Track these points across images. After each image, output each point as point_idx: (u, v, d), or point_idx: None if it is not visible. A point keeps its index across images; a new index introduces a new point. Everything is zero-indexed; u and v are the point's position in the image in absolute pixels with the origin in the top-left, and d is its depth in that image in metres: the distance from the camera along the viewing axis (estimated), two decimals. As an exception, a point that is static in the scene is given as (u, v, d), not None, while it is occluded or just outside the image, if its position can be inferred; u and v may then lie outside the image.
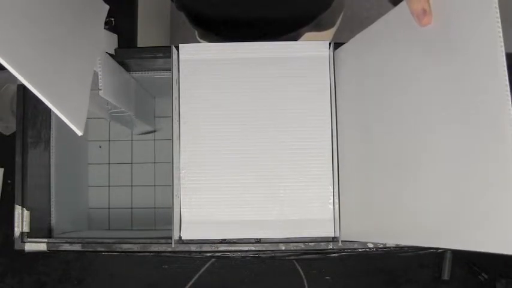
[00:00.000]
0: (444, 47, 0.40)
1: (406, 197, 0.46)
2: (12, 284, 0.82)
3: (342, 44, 0.60)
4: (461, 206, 0.38)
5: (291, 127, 0.61)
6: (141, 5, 0.85)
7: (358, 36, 0.55)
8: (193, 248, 0.61)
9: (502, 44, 0.33)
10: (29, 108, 0.69)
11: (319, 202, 0.60)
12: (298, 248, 0.61)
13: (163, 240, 0.62)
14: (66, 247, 0.64)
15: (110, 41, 0.70)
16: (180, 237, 0.60)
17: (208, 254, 0.71)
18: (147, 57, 0.71)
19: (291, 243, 0.61)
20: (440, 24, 0.40)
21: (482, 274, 0.76)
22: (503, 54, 0.33)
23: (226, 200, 0.60)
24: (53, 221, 0.74)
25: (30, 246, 0.65)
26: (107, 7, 0.65)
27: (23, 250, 0.65)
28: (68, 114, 0.44)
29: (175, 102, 0.62)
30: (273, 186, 0.60)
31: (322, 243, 0.60)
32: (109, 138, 0.95)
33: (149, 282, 0.82)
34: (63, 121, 0.44)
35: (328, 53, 0.62)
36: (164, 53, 0.68)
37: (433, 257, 0.78)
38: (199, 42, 0.77)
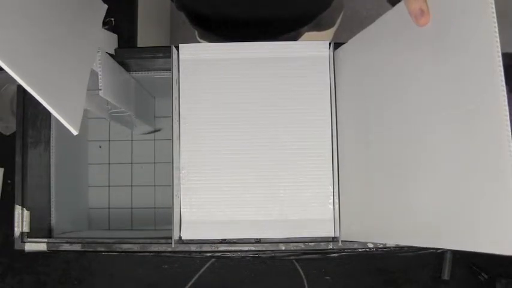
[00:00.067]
0: (443, 46, 0.40)
1: (406, 197, 0.46)
2: (12, 284, 0.82)
3: (342, 44, 0.60)
4: (461, 206, 0.38)
5: (291, 127, 0.61)
6: (141, 5, 0.85)
7: (357, 36, 0.55)
8: (193, 248, 0.61)
9: (498, 43, 0.34)
10: (29, 108, 0.69)
11: (319, 202, 0.60)
12: (298, 248, 0.61)
13: (163, 240, 0.62)
14: (66, 247, 0.64)
15: (110, 41, 0.70)
16: (180, 237, 0.60)
17: (208, 254, 0.71)
18: (147, 57, 0.71)
19: (291, 243, 0.61)
20: (438, 24, 0.40)
21: (482, 274, 0.76)
22: (499, 53, 0.34)
23: (226, 200, 0.60)
24: (53, 221, 0.74)
25: (30, 246, 0.65)
26: (106, 6, 0.65)
27: (23, 250, 0.65)
28: (63, 114, 0.44)
29: (175, 102, 0.62)
30: (273, 186, 0.60)
31: (322, 243, 0.60)
32: (109, 138, 0.95)
33: (149, 282, 0.82)
34: (63, 121, 0.44)
35: (328, 53, 0.62)
36: (164, 53, 0.68)
37: (433, 257, 0.78)
38: (199, 42, 0.77)
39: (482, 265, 0.77)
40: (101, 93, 0.61)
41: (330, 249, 0.61)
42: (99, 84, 0.60)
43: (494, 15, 0.34)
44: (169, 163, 0.60)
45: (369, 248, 0.62)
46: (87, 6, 0.59)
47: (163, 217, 0.93)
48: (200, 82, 0.62)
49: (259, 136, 0.61)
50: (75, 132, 0.46)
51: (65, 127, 0.45)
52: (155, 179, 0.95)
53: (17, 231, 0.66)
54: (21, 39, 0.41)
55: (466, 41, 0.37)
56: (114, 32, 0.72)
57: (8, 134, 0.85)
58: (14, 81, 0.39)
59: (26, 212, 0.66)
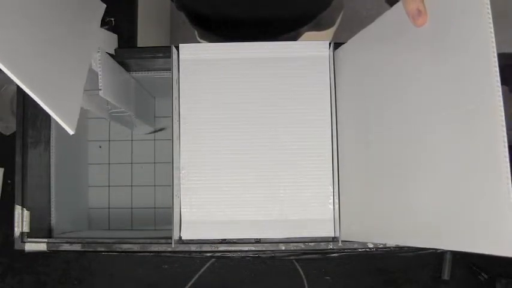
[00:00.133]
0: (442, 46, 0.40)
1: (406, 197, 0.46)
2: (12, 284, 0.82)
3: (342, 43, 0.60)
4: (461, 206, 0.38)
5: (291, 127, 0.61)
6: (141, 5, 0.85)
7: (357, 36, 0.55)
8: (193, 248, 0.61)
9: (494, 43, 0.34)
10: (29, 108, 0.69)
11: (319, 202, 0.60)
12: (298, 248, 0.61)
13: (163, 240, 0.62)
14: (66, 247, 0.64)
15: (110, 41, 0.70)
16: (180, 237, 0.60)
17: (208, 254, 0.71)
18: (147, 57, 0.71)
19: (291, 243, 0.61)
20: (438, 24, 0.40)
21: (482, 274, 0.76)
22: (495, 54, 0.34)
23: (226, 200, 0.60)
24: (53, 221, 0.74)
25: (30, 246, 0.65)
26: (104, 6, 0.65)
27: (23, 250, 0.65)
28: (60, 113, 0.44)
29: (175, 102, 0.62)
30: (273, 186, 0.60)
31: (322, 243, 0.60)
32: (109, 138, 0.95)
33: (149, 282, 0.82)
34: (63, 121, 0.44)
35: (328, 53, 0.62)
36: (164, 53, 0.68)
37: (433, 257, 0.78)
38: (199, 42, 0.77)
39: (482, 265, 0.77)
40: (101, 93, 0.61)
41: (330, 249, 0.61)
42: (99, 84, 0.60)
43: (490, 15, 0.34)
44: (169, 163, 0.60)
45: (369, 248, 0.62)
46: (86, 6, 0.59)
47: (163, 217, 0.93)
48: (200, 82, 0.62)
49: (259, 136, 0.61)
50: (71, 132, 0.46)
51: (64, 127, 0.45)
52: (155, 179, 0.95)
53: (17, 231, 0.66)
54: (20, 39, 0.41)
55: (466, 41, 0.37)
56: (114, 32, 0.72)
57: (8, 134, 0.85)
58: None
59: (26, 212, 0.66)
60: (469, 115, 0.37)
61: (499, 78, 0.33)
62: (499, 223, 0.34)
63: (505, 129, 0.33)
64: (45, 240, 0.65)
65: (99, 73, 0.61)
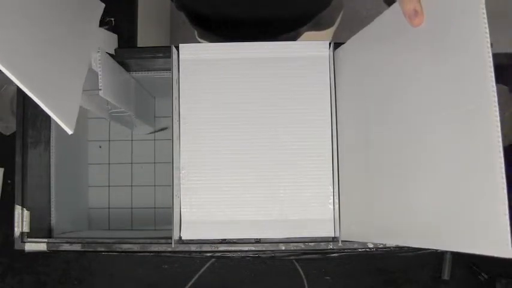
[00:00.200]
0: (441, 46, 0.40)
1: (406, 197, 0.46)
2: (12, 284, 0.82)
3: (341, 43, 0.60)
4: (461, 206, 0.38)
5: (291, 127, 0.61)
6: (141, 5, 0.85)
7: (356, 36, 0.55)
8: (193, 248, 0.61)
9: (489, 43, 0.34)
10: (29, 108, 0.69)
11: (319, 202, 0.60)
12: (298, 248, 0.61)
13: (163, 240, 0.62)
14: (66, 247, 0.64)
15: (110, 41, 0.70)
16: (180, 237, 0.60)
17: (208, 254, 0.71)
18: (147, 57, 0.71)
19: (291, 243, 0.61)
20: (437, 24, 0.40)
21: (482, 274, 0.76)
22: (490, 54, 0.34)
23: (226, 200, 0.60)
24: (53, 221, 0.74)
25: (30, 246, 0.65)
26: (103, 5, 0.65)
27: (23, 250, 0.65)
28: (58, 113, 0.44)
29: (175, 102, 0.62)
30: (273, 186, 0.60)
31: (322, 243, 0.60)
32: (109, 138, 0.95)
33: (149, 282, 0.82)
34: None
35: (328, 52, 0.62)
36: (164, 53, 0.68)
37: (433, 257, 0.78)
38: (199, 42, 0.77)
39: (482, 265, 0.77)
40: (101, 93, 0.61)
41: (330, 249, 0.61)
42: (99, 84, 0.60)
43: (485, 15, 0.34)
44: (169, 163, 0.60)
45: (369, 248, 0.62)
46: (85, 6, 0.59)
47: (163, 217, 0.93)
48: (200, 82, 0.62)
49: (259, 136, 0.61)
50: (70, 132, 0.46)
51: (64, 127, 0.45)
52: (155, 179, 0.95)
53: (17, 231, 0.66)
54: (20, 39, 0.41)
55: (466, 41, 0.37)
56: (114, 32, 0.72)
57: (8, 134, 0.85)
58: (14, 81, 0.39)
59: (26, 212, 0.66)
60: (469, 115, 0.37)
61: (493, 78, 0.33)
62: (500, 223, 0.34)
63: (499, 129, 0.33)
64: (45, 240, 0.65)
65: (99, 73, 0.61)
